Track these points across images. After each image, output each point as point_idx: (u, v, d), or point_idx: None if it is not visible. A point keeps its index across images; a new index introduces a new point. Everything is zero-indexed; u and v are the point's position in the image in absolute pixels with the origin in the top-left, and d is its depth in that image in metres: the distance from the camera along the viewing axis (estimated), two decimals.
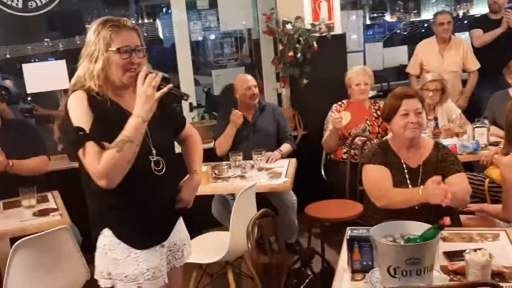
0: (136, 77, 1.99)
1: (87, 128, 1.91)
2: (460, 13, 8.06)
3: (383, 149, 2.86)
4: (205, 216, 4.05)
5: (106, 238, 2.06)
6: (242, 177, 3.65)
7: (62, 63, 4.36)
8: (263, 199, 3.69)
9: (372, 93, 4.59)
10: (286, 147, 4.17)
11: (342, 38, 4.96)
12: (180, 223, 2.31)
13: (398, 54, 6.44)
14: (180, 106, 4.59)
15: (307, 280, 2.41)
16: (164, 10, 6.79)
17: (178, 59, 4.85)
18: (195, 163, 2.33)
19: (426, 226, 1.97)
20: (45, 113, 5.01)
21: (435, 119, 4.21)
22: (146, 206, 2.09)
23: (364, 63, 5.91)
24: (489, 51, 5.17)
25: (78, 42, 4.76)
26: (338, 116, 4.14)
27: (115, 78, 2.03)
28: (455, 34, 5.36)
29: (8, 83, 7.05)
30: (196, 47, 5.75)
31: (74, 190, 3.28)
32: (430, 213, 2.43)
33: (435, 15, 5.39)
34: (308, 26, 4.70)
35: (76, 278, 2.70)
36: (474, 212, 3.09)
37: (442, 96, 4.37)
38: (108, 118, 1.97)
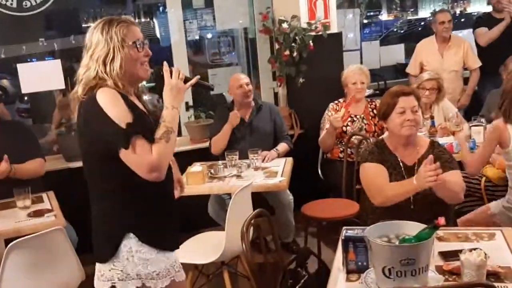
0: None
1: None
2: (458, 11, 8.04)
3: (380, 147, 2.87)
4: (201, 216, 4.05)
5: (131, 241, 2.01)
6: (238, 176, 3.64)
7: (57, 62, 4.34)
8: (260, 198, 3.69)
9: (368, 91, 4.59)
10: (282, 146, 4.17)
11: (338, 36, 4.95)
12: None
13: (395, 53, 6.42)
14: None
15: (302, 281, 2.40)
16: (160, 9, 6.76)
17: (174, 58, 4.87)
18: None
19: (421, 226, 1.96)
20: None
21: (431, 117, 4.21)
22: (168, 208, 2.10)
23: (361, 62, 5.89)
24: (491, 49, 5.16)
25: (74, 42, 4.75)
26: (338, 116, 4.13)
27: (133, 72, 2.03)
28: (453, 32, 5.34)
29: (5, 82, 7.02)
30: (193, 46, 5.73)
31: (69, 191, 3.31)
32: (426, 213, 2.43)
33: (434, 14, 5.38)
34: (304, 25, 4.69)
35: (71, 279, 2.70)
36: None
37: (438, 95, 4.37)
38: (138, 114, 1.97)
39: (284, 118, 4.53)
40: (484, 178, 3.46)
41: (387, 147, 2.86)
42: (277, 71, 4.87)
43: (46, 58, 4.70)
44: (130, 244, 2.00)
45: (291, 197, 4.06)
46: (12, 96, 6.31)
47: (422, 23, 7.74)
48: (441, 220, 1.89)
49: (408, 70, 5.32)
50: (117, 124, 1.88)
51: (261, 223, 2.73)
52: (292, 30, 4.64)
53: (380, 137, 3.08)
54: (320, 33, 4.71)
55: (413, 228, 1.98)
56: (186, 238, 3.27)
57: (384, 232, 2.01)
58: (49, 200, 3.35)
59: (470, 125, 3.98)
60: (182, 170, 3.22)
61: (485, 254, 1.95)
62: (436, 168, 2.45)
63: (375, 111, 4.33)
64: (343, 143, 4.22)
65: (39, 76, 4.26)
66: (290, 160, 3.99)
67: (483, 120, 4.03)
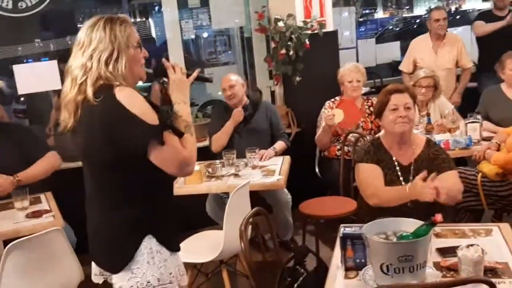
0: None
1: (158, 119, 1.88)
2: (453, 8, 8.06)
3: (375, 146, 2.87)
4: (199, 215, 4.05)
5: (152, 242, 1.96)
6: (236, 175, 3.64)
7: (53, 63, 4.34)
8: (258, 197, 3.69)
9: (365, 89, 4.60)
10: (280, 145, 4.17)
11: (334, 35, 4.96)
12: None
13: (390, 50, 6.44)
14: None
15: (300, 279, 2.41)
16: (156, 8, 6.76)
17: (170, 58, 4.87)
18: None
19: (419, 223, 1.98)
20: None
21: (428, 115, 4.22)
22: (174, 209, 2.09)
23: (357, 60, 5.91)
24: (491, 47, 5.19)
25: (70, 42, 4.74)
26: (331, 113, 4.14)
27: (135, 72, 1.99)
28: (448, 29, 5.36)
29: (1, 83, 7.01)
30: (189, 46, 5.74)
31: (67, 191, 3.30)
32: (423, 210, 2.44)
33: (430, 11, 5.39)
34: (300, 24, 4.69)
35: (70, 280, 2.69)
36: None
37: (434, 92, 4.38)
38: (160, 110, 1.96)
39: (281, 116, 4.54)
40: (480, 174, 3.47)
41: (383, 145, 2.87)
42: (273, 69, 4.88)
43: (42, 59, 4.70)
44: (151, 245, 1.95)
45: (289, 195, 4.07)
46: (8, 97, 6.30)
47: (418, 21, 7.76)
48: (438, 217, 1.90)
49: (401, 67, 5.32)
50: (148, 122, 1.82)
51: (259, 222, 2.73)
52: (288, 28, 4.64)
53: (377, 135, 3.09)
54: (316, 31, 4.72)
55: (410, 225, 1.99)
56: (185, 237, 3.27)
57: (381, 229, 2.02)
58: (47, 201, 3.33)
59: (466, 122, 3.99)
60: None
61: (482, 250, 1.96)
62: (437, 186, 2.44)
63: (371, 108, 4.35)
64: (340, 141, 4.23)
65: (35, 77, 4.26)
66: (287, 158, 4.00)
67: (479, 117, 4.04)
